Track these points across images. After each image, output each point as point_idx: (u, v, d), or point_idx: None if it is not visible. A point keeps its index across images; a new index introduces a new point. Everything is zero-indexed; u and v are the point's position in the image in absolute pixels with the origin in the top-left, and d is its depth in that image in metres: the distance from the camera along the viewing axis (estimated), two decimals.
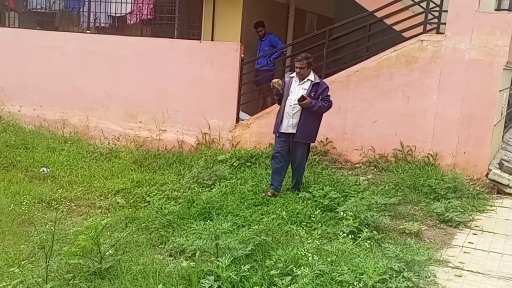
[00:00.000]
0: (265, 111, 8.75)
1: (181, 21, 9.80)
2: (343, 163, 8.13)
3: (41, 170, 8.01)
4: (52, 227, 4.18)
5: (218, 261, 3.86)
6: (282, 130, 6.64)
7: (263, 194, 6.54)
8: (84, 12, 10.56)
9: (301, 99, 6.38)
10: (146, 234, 5.56)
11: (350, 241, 3.91)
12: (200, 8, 10.17)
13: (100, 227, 4.63)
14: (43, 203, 6.59)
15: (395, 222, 5.80)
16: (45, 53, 10.31)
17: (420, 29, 7.88)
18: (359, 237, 4.62)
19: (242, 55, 8.79)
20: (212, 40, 9.99)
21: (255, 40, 9.96)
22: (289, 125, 6.60)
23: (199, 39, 9.90)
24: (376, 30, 8.26)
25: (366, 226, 5.14)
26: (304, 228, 5.24)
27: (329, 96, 6.63)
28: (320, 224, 5.22)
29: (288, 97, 6.63)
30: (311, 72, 6.67)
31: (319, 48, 8.56)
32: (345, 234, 4.04)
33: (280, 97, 6.77)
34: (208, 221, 5.47)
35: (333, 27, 8.58)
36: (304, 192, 6.43)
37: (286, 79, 6.81)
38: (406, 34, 8.05)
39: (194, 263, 4.33)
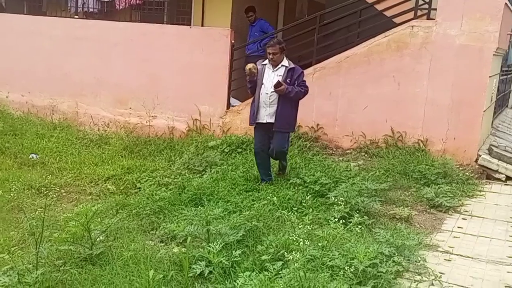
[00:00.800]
0: None
1: (170, 6, 9.72)
2: (334, 149, 8.15)
3: (30, 156, 7.94)
4: (42, 214, 4.14)
5: (210, 246, 3.86)
6: (260, 121, 6.37)
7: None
8: None
9: (277, 85, 6.13)
10: (137, 220, 5.54)
11: (341, 227, 3.91)
12: None
13: (91, 214, 4.60)
14: (33, 190, 6.54)
15: (385, 207, 5.84)
16: (32, 38, 10.17)
17: (410, 15, 7.89)
18: (350, 222, 4.64)
19: (233, 41, 8.74)
20: (202, 25, 9.91)
21: (246, 25, 9.88)
22: (266, 114, 6.33)
23: (189, 24, 9.81)
24: (367, 15, 8.24)
25: (357, 211, 5.16)
26: (295, 213, 5.24)
27: (304, 81, 6.42)
28: (311, 209, 5.23)
29: (263, 85, 6.33)
30: (285, 57, 6.40)
31: (310, 34, 8.53)
32: (336, 220, 4.04)
33: (253, 85, 6.44)
34: (199, 207, 5.45)
35: (323, 13, 8.55)
36: (295, 178, 6.43)
37: (259, 67, 6.44)
38: (396, 20, 8.05)
39: (185, 249, 4.33)
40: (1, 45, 10.48)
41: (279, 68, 6.35)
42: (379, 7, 8.24)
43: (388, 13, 8.16)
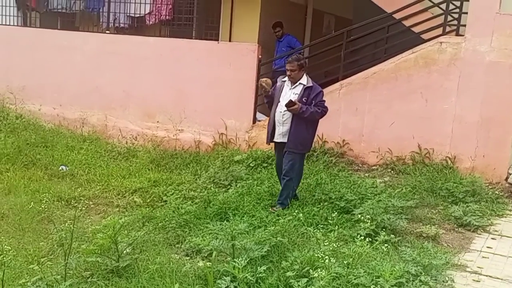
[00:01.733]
0: None
1: (199, 21, 9.85)
2: (360, 165, 8.09)
3: (60, 168, 8.11)
4: (71, 225, 4.23)
5: (235, 261, 3.87)
6: (275, 140, 6.25)
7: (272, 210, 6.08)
8: (104, 12, 10.69)
9: (290, 104, 5.88)
10: (163, 233, 5.60)
11: (367, 244, 3.89)
12: (218, 9, 10.22)
13: (118, 226, 4.68)
14: (62, 201, 6.68)
15: (412, 225, 5.76)
16: (65, 52, 10.44)
17: (439, 31, 7.82)
18: (376, 240, 4.60)
19: (260, 56, 8.81)
20: (230, 41, 10.02)
21: (273, 41, 9.97)
22: (279, 133, 6.16)
23: (217, 39, 9.93)
24: (395, 31, 8.21)
25: (383, 229, 5.11)
26: (321, 230, 5.22)
27: (323, 101, 6.13)
28: (336, 226, 5.21)
29: (279, 103, 6.13)
30: (304, 75, 6.16)
31: (337, 50, 8.55)
32: (362, 237, 4.01)
33: (269, 100, 6.30)
34: (225, 221, 5.49)
35: (351, 29, 8.56)
36: (321, 194, 6.41)
37: (278, 83, 6.30)
38: (425, 36, 7.99)
39: (210, 263, 4.35)
40: (36, 59, 10.78)
41: (296, 86, 6.16)
42: (407, 23, 8.20)
43: (416, 29, 8.11)
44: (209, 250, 4.73)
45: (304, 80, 6.16)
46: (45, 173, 7.87)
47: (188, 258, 5.00)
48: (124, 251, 4.77)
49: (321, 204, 6.16)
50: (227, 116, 8.99)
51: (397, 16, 8.12)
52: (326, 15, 12.29)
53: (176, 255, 5.05)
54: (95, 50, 10.18)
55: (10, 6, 11.59)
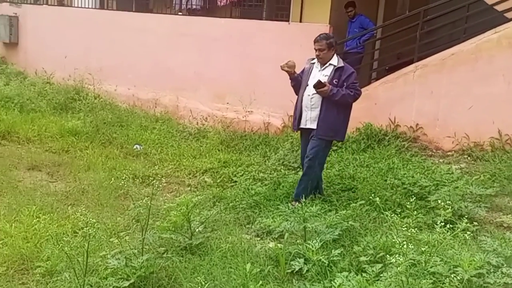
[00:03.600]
0: None
1: (269, 2, 9.78)
2: (434, 151, 7.80)
3: (134, 147, 8.40)
4: (147, 202, 4.37)
5: (308, 243, 3.86)
6: (302, 126, 5.77)
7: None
8: None
9: (319, 85, 5.39)
10: (234, 213, 5.68)
11: (447, 231, 3.74)
12: None
13: (191, 205, 4.79)
14: (137, 179, 6.92)
15: (491, 214, 5.50)
16: (139, 34, 10.74)
17: None
18: (452, 228, 4.43)
19: None
20: (300, 21, 9.89)
21: (345, 22, 9.74)
22: (307, 118, 5.68)
23: (288, 20, 9.82)
24: (475, 10, 7.79)
25: (460, 217, 4.91)
26: (395, 216, 5.10)
27: (356, 83, 5.64)
28: (415, 211, 5.06)
29: (307, 86, 5.67)
30: (334, 55, 5.70)
31: (412, 30, 8.22)
32: (442, 224, 3.85)
33: (296, 83, 5.81)
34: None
35: (428, 8, 8.19)
36: (393, 179, 6.25)
37: (307, 65, 5.82)
38: (508, 15, 7.51)
39: (281, 245, 4.37)
40: (112, 41, 11.17)
41: (326, 67, 5.70)
42: (489, 1, 7.75)
43: (499, 8, 7.64)
44: (280, 231, 4.76)
45: (335, 60, 5.70)
46: (120, 151, 8.17)
47: (258, 238, 5.04)
48: (197, 229, 4.89)
49: (394, 189, 6.00)
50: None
51: None
52: None
53: (246, 235, 5.11)
54: (168, 32, 10.39)
55: None
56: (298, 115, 5.82)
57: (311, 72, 5.78)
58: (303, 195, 5.39)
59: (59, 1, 12.99)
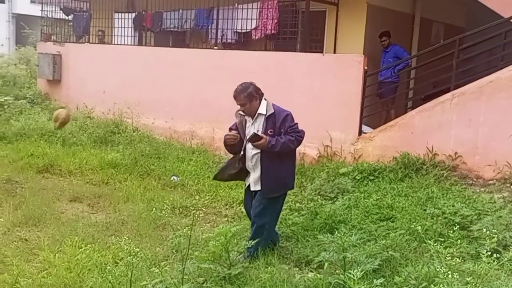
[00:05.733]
0: (388, 124, 8.53)
1: (303, 34, 9.92)
2: (474, 179, 7.64)
3: (171, 178, 8.52)
4: (186, 232, 4.41)
5: (350, 273, 3.81)
6: (250, 186, 5.22)
7: None
8: (212, 29, 11.14)
9: (254, 138, 4.81)
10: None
11: (493, 261, 3.64)
12: (323, 21, 10.25)
13: (229, 235, 4.82)
14: (175, 210, 7.00)
15: None
16: (176, 69, 11.03)
17: None
18: (498, 258, 4.30)
19: (366, 67, 8.66)
20: (334, 52, 10.00)
21: (379, 51, 9.80)
22: (252, 180, 5.12)
23: (322, 52, 9.95)
24: None
25: (504, 247, 4.78)
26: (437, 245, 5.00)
27: (294, 125, 5.07)
28: (458, 241, 4.95)
29: (247, 145, 5.06)
30: (260, 103, 5.06)
31: (447, 59, 8.20)
32: (488, 253, 3.75)
33: (235, 150, 5.21)
34: (333, 233, 5.44)
35: (464, 36, 8.17)
36: (433, 208, 6.14)
37: (237, 119, 5.19)
38: None
39: (320, 275, 4.34)
40: (150, 75, 11.50)
41: (256, 118, 5.08)
42: None
43: None
44: (319, 261, 4.72)
45: (263, 108, 5.06)
46: (158, 183, 8.30)
47: (297, 269, 5.02)
48: (236, 259, 4.90)
49: (434, 219, 5.91)
50: (332, 128, 8.93)
51: None
52: (434, 24, 11.85)
53: (285, 265, 5.08)
54: (204, 65, 10.63)
55: (127, 27, 12.52)
56: (236, 169, 5.31)
57: (245, 127, 5.19)
58: (256, 251, 5.08)
59: (100, 39, 13.48)
